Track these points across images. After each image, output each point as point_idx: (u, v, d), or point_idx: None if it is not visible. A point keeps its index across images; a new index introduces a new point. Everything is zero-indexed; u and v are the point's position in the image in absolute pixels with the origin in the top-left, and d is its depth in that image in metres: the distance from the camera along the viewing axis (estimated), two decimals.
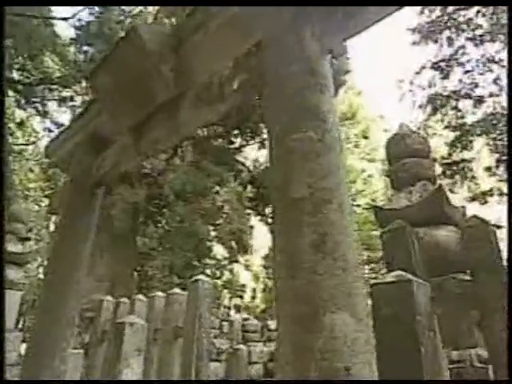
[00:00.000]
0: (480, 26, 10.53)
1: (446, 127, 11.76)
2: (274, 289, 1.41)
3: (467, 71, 11.45)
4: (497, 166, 10.70)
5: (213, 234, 14.28)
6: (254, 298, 28.39)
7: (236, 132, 16.36)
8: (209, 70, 2.44)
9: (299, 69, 1.75)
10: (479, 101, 11.10)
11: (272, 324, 8.85)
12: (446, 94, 11.19)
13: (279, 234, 1.42)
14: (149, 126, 2.82)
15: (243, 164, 17.12)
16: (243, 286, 27.19)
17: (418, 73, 11.69)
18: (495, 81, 10.98)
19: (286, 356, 1.24)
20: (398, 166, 7.66)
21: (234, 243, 10.74)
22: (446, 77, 11.10)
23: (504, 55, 10.29)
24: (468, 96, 11.19)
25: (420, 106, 11.75)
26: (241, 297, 26.00)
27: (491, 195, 10.78)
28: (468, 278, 4.84)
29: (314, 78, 1.74)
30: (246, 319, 9.16)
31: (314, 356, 1.18)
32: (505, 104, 10.66)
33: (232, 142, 16.54)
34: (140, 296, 5.12)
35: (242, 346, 6.86)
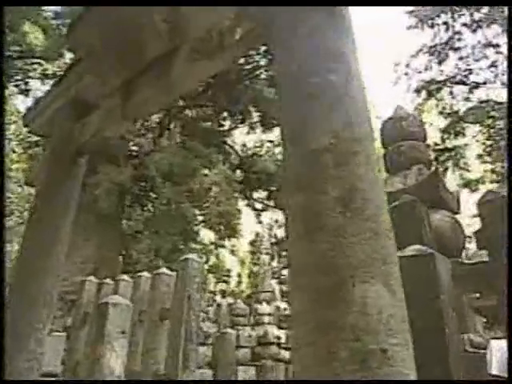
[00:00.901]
0: (478, 10, 10.33)
1: (440, 113, 11.62)
2: (289, 258, 1.17)
3: (461, 57, 11.28)
4: (489, 154, 10.64)
5: (200, 217, 14.02)
6: (239, 283, 28.36)
7: (225, 115, 16.03)
8: (207, 20, 2.16)
9: (315, 8, 1.49)
10: (474, 87, 10.97)
11: (260, 308, 8.70)
12: (441, 79, 11.01)
13: (295, 193, 1.18)
14: (137, 85, 2.53)
15: (232, 147, 16.82)
16: (229, 271, 27.10)
17: (414, 56, 11.47)
18: (490, 67, 10.85)
19: (307, 337, 1.01)
20: (393, 149, 7.47)
21: (222, 226, 10.50)
22: (442, 61, 10.91)
23: (501, 40, 10.16)
24: (462, 82, 11.05)
25: (415, 91, 11.56)
26: (226, 282, 25.91)
27: (483, 183, 10.73)
28: (465, 261, 4.72)
29: (334, 17, 1.48)
30: (233, 303, 8.99)
31: (343, 335, 0.95)
32: (499, 92, 10.58)
33: (221, 125, 16.21)
34: (125, 276, 4.87)
35: (229, 330, 6.69)
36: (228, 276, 26.46)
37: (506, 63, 10.38)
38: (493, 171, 10.66)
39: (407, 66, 11.75)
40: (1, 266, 3.03)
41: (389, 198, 4.75)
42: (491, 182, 10.92)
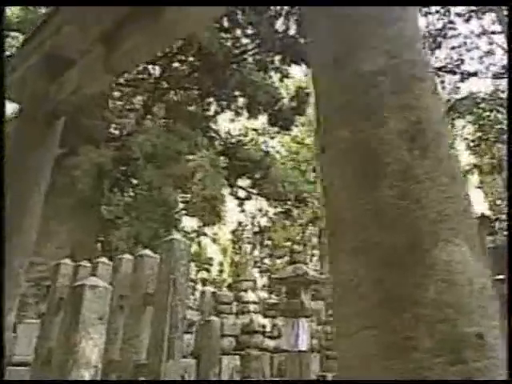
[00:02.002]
0: None
1: None
2: (332, 212, 0.88)
3: (454, 47, 11.16)
4: (478, 145, 10.58)
5: (183, 205, 13.65)
6: (221, 272, 28.16)
7: (211, 100, 15.63)
8: None
9: None
10: (464, 78, 10.86)
11: (245, 296, 8.45)
12: (434, 66, 10.86)
13: (340, 128, 0.88)
14: (124, 33, 2.18)
15: (217, 132, 16.44)
16: (210, 259, 26.85)
17: None
18: (481, 58, 10.76)
19: (366, 317, 0.72)
20: None
21: (206, 211, 10.17)
22: (434, 49, 10.75)
23: (495, 27, 10.04)
24: (453, 72, 10.93)
25: None
26: (208, 270, 25.69)
27: (472, 173, 10.69)
28: None
29: None
30: (218, 290, 8.72)
31: (422, 314, 0.66)
32: (490, 83, 10.50)
33: (206, 109, 15.80)
34: (103, 259, 4.52)
35: (214, 318, 6.41)
36: (209, 264, 26.22)
37: (498, 54, 10.31)
38: (481, 163, 10.63)
39: None
40: (0, 265, 2.73)
41: None
42: (480, 173, 10.90)
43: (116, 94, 14.15)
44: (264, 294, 11.70)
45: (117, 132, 12.11)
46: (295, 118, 14.58)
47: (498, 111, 10.86)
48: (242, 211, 21.04)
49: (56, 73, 2.78)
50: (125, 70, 3.93)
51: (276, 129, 21.03)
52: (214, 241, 28.28)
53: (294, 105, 13.92)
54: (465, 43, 10.81)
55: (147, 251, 3.92)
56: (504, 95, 11.02)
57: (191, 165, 9.96)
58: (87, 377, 2.79)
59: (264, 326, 7.80)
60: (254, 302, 8.42)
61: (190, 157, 11.40)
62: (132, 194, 14.06)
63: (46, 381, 2.53)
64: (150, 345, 3.32)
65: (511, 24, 5.50)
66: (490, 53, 10.52)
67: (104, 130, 11.30)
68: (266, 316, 8.29)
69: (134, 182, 13.54)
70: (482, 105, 10.60)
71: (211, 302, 7.70)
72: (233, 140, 17.23)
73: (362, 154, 0.82)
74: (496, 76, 10.71)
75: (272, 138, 21.08)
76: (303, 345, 4.98)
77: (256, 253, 24.04)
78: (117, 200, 14.36)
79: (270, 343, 7.79)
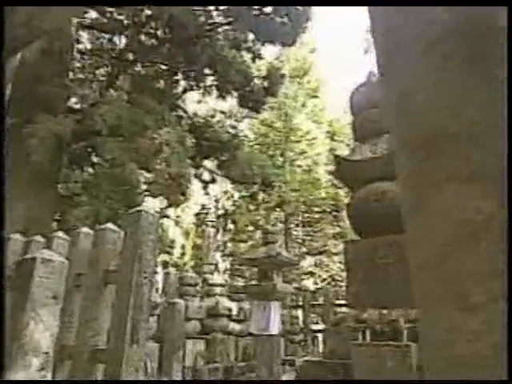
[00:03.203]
0: None
1: None
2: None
3: None
4: None
5: (145, 186, 13.09)
6: (183, 255, 27.84)
7: (179, 77, 15.01)
8: None
9: None
10: None
11: (211, 278, 8.16)
12: None
13: None
14: None
15: (184, 110, 15.86)
16: (173, 242, 26.44)
17: None
18: None
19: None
20: (364, 116, 7.09)
21: (171, 189, 9.69)
22: None
23: None
24: None
25: None
26: (169, 253, 25.27)
27: None
28: None
29: None
30: (183, 272, 8.38)
31: None
32: None
33: (174, 87, 15.18)
34: (60, 233, 4.06)
35: (179, 300, 6.09)
36: (171, 247, 25.81)
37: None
38: None
39: None
40: (1, 267, 2.56)
41: (357, 167, 4.35)
42: None
43: (77, 64, 13.28)
44: (226, 278, 11.49)
45: (78, 105, 11.32)
46: (267, 99, 14.24)
47: None
48: (206, 194, 20.66)
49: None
50: None
51: (245, 112, 20.68)
52: (177, 223, 27.81)
53: (266, 85, 13.55)
54: None
55: (109, 225, 3.52)
56: None
57: (157, 141, 9.43)
58: (36, 364, 2.40)
59: (230, 310, 7.57)
60: (221, 285, 8.16)
61: (157, 130, 10.85)
62: (92, 170, 13.34)
63: (47, 381, 2.38)
64: (112, 328, 2.96)
65: (511, 24, 5.38)
66: None
67: (64, 99, 10.50)
68: (232, 299, 8.07)
69: (95, 158, 12.83)
70: None
71: (175, 283, 7.36)
72: (200, 120, 16.70)
73: None
74: None
75: (238, 121, 20.73)
76: (274, 329, 4.76)
77: (219, 237, 23.82)
78: (76, 177, 13.57)
79: (236, 327, 7.59)
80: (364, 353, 4.85)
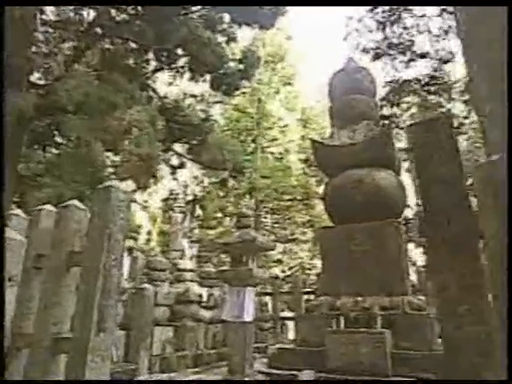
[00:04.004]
0: None
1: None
2: None
3: (406, 27, 11.13)
4: None
5: (112, 169, 12.58)
6: (149, 240, 27.36)
7: (150, 56, 14.43)
8: None
9: None
10: (411, 59, 10.93)
11: (181, 263, 7.90)
12: (388, 42, 10.77)
13: None
14: None
15: (154, 90, 15.30)
16: (139, 227, 25.93)
17: (371, 10, 10.99)
18: (431, 41, 10.85)
19: None
20: (343, 102, 6.96)
21: (141, 171, 9.30)
22: (394, 23, 10.63)
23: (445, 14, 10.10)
24: (404, 53, 10.94)
25: (363, 50, 11.20)
26: (135, 239, 24.73)
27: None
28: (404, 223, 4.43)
29: None
30: (152, 256, 8.07)
31: None
32: (438, 67, 10.67)
33: (144, 67, 14.57)
34: (18, 211, 3.68)
35: (147, 286, 5.82)
36: (137, 233, 25.29)
37: (447, 39, 10.45)
38: None
39: (360, 21, 11.31)
40: (0, 268, 2.45)
41: (335, 152, 4.23)
42: None
43: (41, 37, 12.44)
44: (195, 265, 11.26)
45: (42, 75, 10.61)
46: (241, 83, 13.90)
47: (441, 95, 11.18)
48: (175, 179, 20.23)
49: None
50: None
51: (216, 98, 20.22)
52: (144, 208, 27.20)
53: (242, 68, 13.20)
54: (417, 25, 10.84)
55: (74, 202, 3.20)
56: (447, 79, 11.37)
57: (127, 120, 8.97)
58: None
59: (200, 296, 7.36)
60: (191, 270, 7.91)
61: (126, 113, 10.35)
62: (55, 151, 12.66)
63: (48, 381, 2.34)
64: (76, 315, 2.69)
65: (511, 24, 5.37)
66: (439, 37, 10.65)
67: (26, 71, 9.79)
68: (202, 285, 7.85)
69: (59, 138, 12.17)
70: (427, 87, 10.82)
71: (143, 268, 7.06)
72: (171, 102, 16.17)
73: None
74: (443, 60, 10.91)
75: (210, 106, 20.31)
76: (249, 316, 4.60)
77: (186, 223, 23.47)
78: (38, 156, 12.85)
79: (206, 314, 7.39)
80: (338, 340, 4.78)
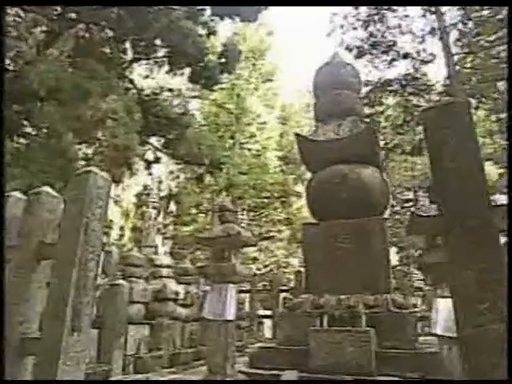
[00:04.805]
0: None
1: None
2: None
3: (389, 27, 11.16)
4: (406, 122, 10.79)
5: (86, 158, 12.09)
6: (121, 236, 26.73)
7: (127, 45, 13.96)
8: None
9: None
10: (395, 59, 10.97)
11: (158, 259, 7.61)
12: (372, 41, 10.76)
13: None
14: None
15: (131, 81, 14.82)
16: (111, 221, 25.27)
17: (356, 7, 10.95)
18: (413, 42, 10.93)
19: None
20: (328, 97, 6.82)
21: (117, 163, 8.90)
22: (379, 21, 10.62)
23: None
24: (386, 52, 10.97)
25: (346, 48, 11.15)
26: (107, 234, 24.01)
27: (394, 152, 10.95)
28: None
29: None
30: (127, 251, 7.73)
31: None
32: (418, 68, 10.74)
33: (121, 57, 14.08)
34: None
35: (122, 282, 5.52)
36: (109, 227, 24.65)
37: (428, 40, 10.53)
38: (406, 141, 10.94)
39: (345, 17, 11.25)
40: (0, 267, 2.35)
41: (319, 147, 4.08)
42: (402, 152, 11.24)
43: (11, 21, 11.80)
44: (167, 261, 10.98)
45: (11, 58, 10.03)
46: (221, 76, 13.62)
47: (421, 96, 11.29)
48: (150, 174, 19.78)
49: None
50: None
51: (194, 92, 19.84)
52: (116, 203, 26.55)
53: (223, 61, 12.92)
54: (399, 25, 10.89)
55: (46, 188, 2.93)
56: (426, 79, 11.50)
57: (102, 108, 8.57)
58: None
59: (177, 293, 7.08)
60: (168, 266, 7.62)
61: (102, 102, 9.89)
62: (24, 141, 12.04)
63: (48, 381, 2.18)
64: (47, 313, 2.42)
65: (511, 24, 5.44)
66: (421, 38, 10.75)
67: None
68: (179, 282, 7.58)
69: (29, 128, 11.58)
70: (408, 88, 10.90)
71: (118, 263, 6.74)
72: (148, 94, 15.71)
73: None
74: (424, 61, 11.02)
75: (187, 102, 19.94)
76: (230, 314, 4.40)
77: (160, 219, 23.01)
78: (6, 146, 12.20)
79: (183, 311, 7.13)
80: (323, 339, 4.64)
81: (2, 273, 2.49)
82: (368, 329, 4.61)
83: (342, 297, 5.23)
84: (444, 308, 3.66)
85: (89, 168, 2.67)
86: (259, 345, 5.77)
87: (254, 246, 6.09)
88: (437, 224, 3.93)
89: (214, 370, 4.24)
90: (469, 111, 1.91)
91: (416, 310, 5.61)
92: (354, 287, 5.28)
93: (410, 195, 20.53)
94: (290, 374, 4.39)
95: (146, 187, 23.12)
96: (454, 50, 10.34)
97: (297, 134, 6.69)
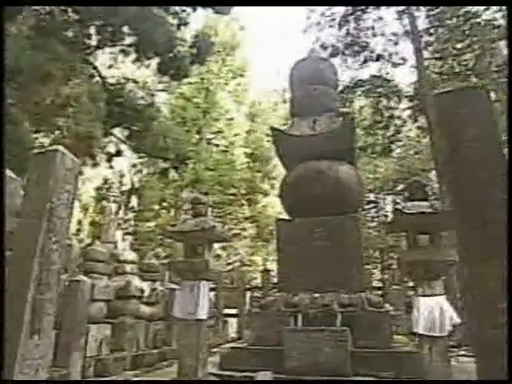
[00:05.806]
0: None
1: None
2: None
3: (361, 29, 11.22)
4: (376, 123, 10.83)
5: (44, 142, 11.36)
6: (79, 231, 25.67)
7: (92, 31, 13.25)
8: None
9: None
10: (367, 61, 11.03)
11: (122, 254, 7.19)
12: (346, 41, 10.75)
13: None
14: None
15: (96, 68, 14.09)
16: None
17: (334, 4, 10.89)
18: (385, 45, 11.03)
19: None
20: (305, 92, 6.67)
21: (79, 151, 8.33)
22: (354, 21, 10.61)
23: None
24: (358, 53, 11.02)
25: (321, 46, 11.07)
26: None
27: (365, 152, 11.00)
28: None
29: None
30: (89, 244, 7.26)
31: None
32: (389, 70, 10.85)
33: (84, 42, 13.34)
34: None
35: (83, 278, 5.12)
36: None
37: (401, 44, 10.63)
38: (374, 143, 11.03)
39: (322, 14, 11.18)
40: (1, 266, 2.25)
41: (295, 142, 3.90)
42: (372, 153, 11.32)
43: None
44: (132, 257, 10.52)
45: None
46: (191, 67, 13.22)
47: (391, 98, 11.44)
48: (111, 167, 19.00)
49: None
50: None
51: (161, 85, 19.23)
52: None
53: (194, 52, 12.53)
54: (373, 27, 10.97)
55: (7, 171, 2.58)
56: (397, 81, 11.68)
57: (64, 93, 8.01)
58: None
59: (142, 291, 6.71)
60: (132, 262, 7.22)
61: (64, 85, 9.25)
62: None
63: (48, 381, 2.18)
64: (8, 310, 2.10)
65: (511, 24, 5.48)
66: (393, 41, 10.89)
67: None
68: (143, 279, 7.19)
69: None
70: (379, 89, 11.00)
71: (78, 258, 6.28)
72: (113, 83, 15.02)
73: None
74: (395, 64, 11.18)
75: (153, 94, 19.31)
76: (203, 313, 4.15)
77: (121, 214, 22.23)
78: None
79: (147, 310, 6.77)
80: (298, 339, 4.48)
81: (2, 269, 2.21)
82: (345, 328, 4.50)
83: (317, 295, 5.10)
84: (425, 307, 3.59)
85: (55, 147, 2.34)
86: (232, 345, 5.53)
87: (229, 241, 5.86)
88: (421, 222, 3.88)
89: (185, 371, 3.97)
90: (489, 98, 1.78)
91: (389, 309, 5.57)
92: (329, 285, 5.16)
93: (371, 197, 20.94)
94: (263, 376, 4.20)
95: (106, 181, 22.22)
96: (425, 54, 10.57)
97: (272, 128, 6.51)
